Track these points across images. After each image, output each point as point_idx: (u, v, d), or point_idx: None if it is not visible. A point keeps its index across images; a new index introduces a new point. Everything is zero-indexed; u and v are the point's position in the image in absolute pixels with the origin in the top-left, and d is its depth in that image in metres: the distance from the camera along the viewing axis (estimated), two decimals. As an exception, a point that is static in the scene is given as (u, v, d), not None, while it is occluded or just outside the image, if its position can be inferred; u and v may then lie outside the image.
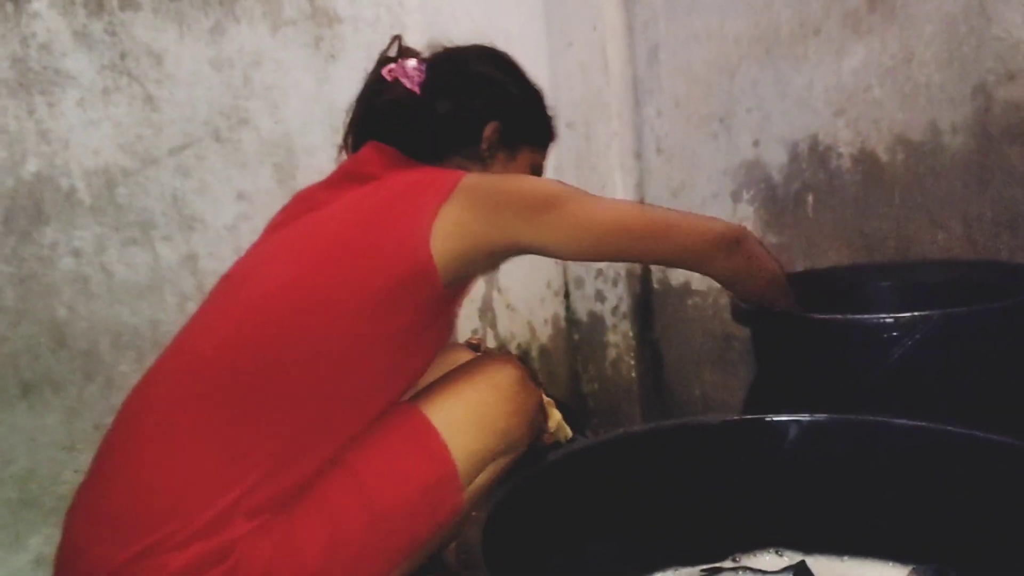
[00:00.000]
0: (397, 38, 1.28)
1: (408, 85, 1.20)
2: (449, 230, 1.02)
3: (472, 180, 1.08)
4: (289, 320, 1.00)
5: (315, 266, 1.04)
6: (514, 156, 1.26)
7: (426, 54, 1.27)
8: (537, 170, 1.32)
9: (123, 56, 1.58)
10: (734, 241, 1.17)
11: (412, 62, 1.22)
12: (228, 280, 1.12)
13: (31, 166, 1.48)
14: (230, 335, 1.01)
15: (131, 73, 1.59)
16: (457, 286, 1.09)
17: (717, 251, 1.16)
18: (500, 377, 1.14)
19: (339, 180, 1.18)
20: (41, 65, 1.49)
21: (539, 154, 1.32)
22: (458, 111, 1.21)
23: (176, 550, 0.90)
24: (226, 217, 1.71)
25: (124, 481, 0.95)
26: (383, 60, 1.25)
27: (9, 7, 1.46)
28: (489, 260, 1.12)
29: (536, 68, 2.24)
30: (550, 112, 1.33)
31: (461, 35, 2.12)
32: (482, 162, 1.23)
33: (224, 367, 0.98)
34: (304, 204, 1.18)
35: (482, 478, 1.08)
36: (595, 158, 2.22)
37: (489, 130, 1.22)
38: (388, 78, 1.22)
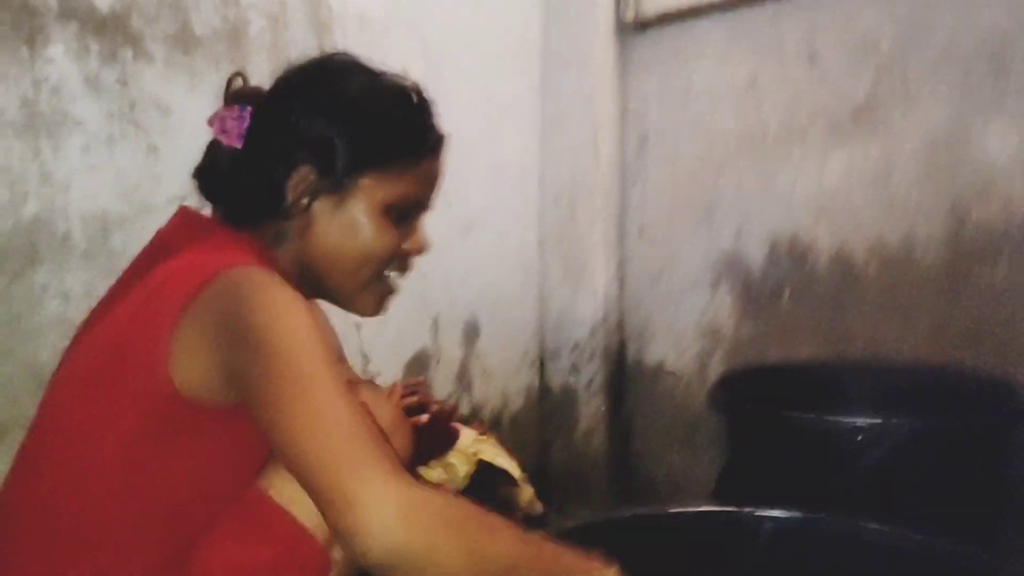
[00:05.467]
0: (236, 75, 1.06)
1: (226, 142, 0.99)
2: (187, 348, 0.84)
3: (220, 287, 0.84)
4: (54, 479, 0.88)
5: (71, 409, 0.90)
6: (350, 195, 0.96)
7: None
8: (404, 204, 1.00)
9: (132, 106, 1.60)
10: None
11: (232, 110, 1.00)
12: (37, 416, 0.95)
13: (31, 208, 1.48)
14: (21, 493, 0.91)
15: (138, 123, 1.61)
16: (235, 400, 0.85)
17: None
18: None
19: (141, 259, 0.98)
20: (50, 108, 1.51)
21: (398, 180, 0.98)
22: (262, 163, 0.97)
23: None
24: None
25: None
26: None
27: (24, 51, 1.49)
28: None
29: (528, 142, 2.33)
30: (417, 118, 1.04)
31: (459, 109, 2.19)
32: (299, 219, 0.96)
33: (17, 530, 0.91)
34: (105, 299, 0.98)
35: None
36: (578, 236, 2.27)
37: (296, 179, 0.95)
38: (212, 133, 1.02)
